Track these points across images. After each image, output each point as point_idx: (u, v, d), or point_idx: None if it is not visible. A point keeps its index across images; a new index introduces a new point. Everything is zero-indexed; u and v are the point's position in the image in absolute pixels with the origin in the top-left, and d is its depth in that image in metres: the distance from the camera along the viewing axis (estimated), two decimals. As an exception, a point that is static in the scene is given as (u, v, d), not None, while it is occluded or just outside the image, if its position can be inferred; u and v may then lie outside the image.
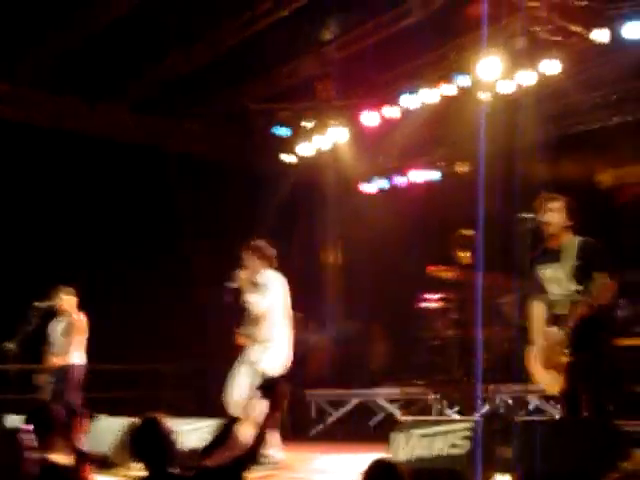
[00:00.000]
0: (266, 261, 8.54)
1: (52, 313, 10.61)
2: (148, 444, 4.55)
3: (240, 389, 8.33)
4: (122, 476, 7.62)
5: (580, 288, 6.44)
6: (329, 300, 14.98)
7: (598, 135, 12.02)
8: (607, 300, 6.49)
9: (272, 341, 8.38)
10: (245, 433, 7.68)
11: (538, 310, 6.79)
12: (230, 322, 9.34)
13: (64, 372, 10.28)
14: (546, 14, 10.62)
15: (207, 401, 11.32)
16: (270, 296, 8.38)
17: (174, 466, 4.61)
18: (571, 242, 6.68)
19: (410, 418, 7.51)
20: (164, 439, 4.55)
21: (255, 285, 8.43)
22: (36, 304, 10.34)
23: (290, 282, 8.70)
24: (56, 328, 10.59)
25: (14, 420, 7.80)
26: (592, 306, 6.38)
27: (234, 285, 8.44)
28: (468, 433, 6.40)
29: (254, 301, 8.36)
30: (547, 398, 9.17)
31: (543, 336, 6.68)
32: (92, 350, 10.62)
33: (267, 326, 8.42)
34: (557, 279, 6.64)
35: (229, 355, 13.34)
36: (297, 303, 10.06)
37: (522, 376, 8.21)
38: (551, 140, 11.27)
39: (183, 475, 4.59)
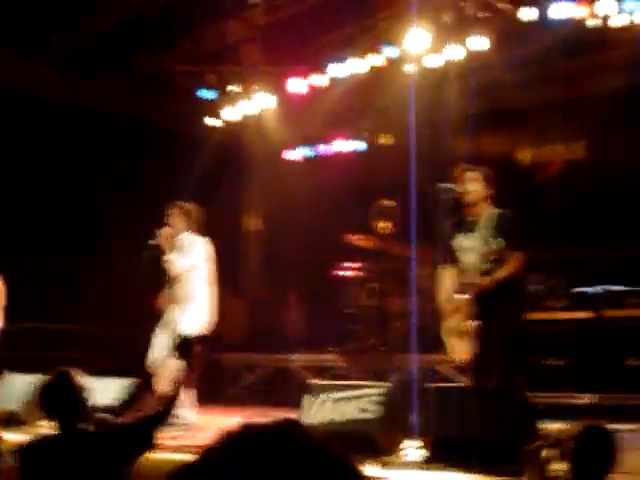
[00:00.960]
0: (191, 224, 8.53)
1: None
2: (59, 399, 4.50)
3: (158, 349, 8.31)
4: (30, 433, 7.52)
5: (490, 258, 6.54)
6: (248, 266, 14.97)
7: (521, 112, 12.14)
8: (512, 273, 6.61)
9: (191, 303, 8.37)
10: (160, 393, 7.67)
11: (448, 279, 6.89)
12: (148, 280, 9.30)
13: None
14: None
15: (120, 362, 11.24)
16: (190, 257, 8.37)
17: (85, 423, 4.56)
18: (488, 213, 6.78)
19: (323, 382, 7.55)
20: (76, 394, 4.50)
21: (176, 245, 8.38)
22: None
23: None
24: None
25: None
26: (493, 279, 6.50)
27: (155, 242, 8.39)
28: (379, 398, 6.47)
29: (172, 260, 8.31)
30: (458, 368, 9.28)
31: (450, 304, 6.79)
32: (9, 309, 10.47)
33: (186, 287, 8.39)
34: (470, 248, 6.74)
35: (145, 319, 13.27)
36: (216, 268, 10.02)
37: (435, 346, 8.32)
38: (475, 115, 11.36)
39: (94, 432, 4.56)
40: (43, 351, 11.76)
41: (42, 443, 4.54)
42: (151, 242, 8.42)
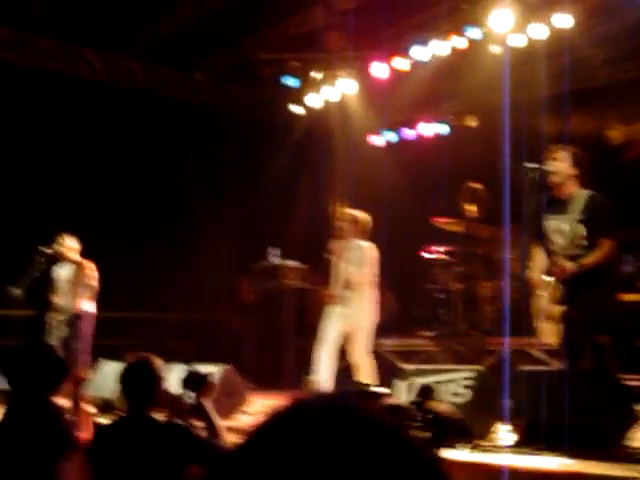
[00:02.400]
0: (363, 233, 9.22)
1: (57, 259, 10.56)
2: (133, 383, 4.53)
3: (330, 344, 9.01)
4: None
5: (582, 243, 6.41)
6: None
7: (608, 91, 11.92)
8: (601, 260, 6.46)
9: (363, 303, 9.02)
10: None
11: (539, 259, 6.79)
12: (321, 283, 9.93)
13: (73, 319, 10.18)
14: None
15: (210, 350, 11.38)
16: (365, 266, 9.01)
17: (157, 410, 4.58)
18: (579, 195, 6.64)
19: (413, 367, 7.54)
20: (149, 381, 4.52)
21: (349, 253, 9.11)
22: (41, 248, 10.27)
23: (296, 233, 8.89)
24: (61, 274, 10.52)
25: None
26: (580, 266, 6.38)
27: (331, 250, 9.29)
28: (471, 382, 6.44)
29: (352, 269, 9.02)
30: (550, 351, 9.17)
31: (542, 287, 6.69)
32: (99, 298, 10.64)
33: (359, 289, 9.04)
34: (561, 231, 6.61)
35: (230, 307, 13.39)
36: (302, 255, 10.04)
37: (526, 329, 8.22)
38: (561, 95, 11.17)
39: (162, 422, 4.56)
40: (138, 339, 11.98)
41: (109, 428, 4.59)
42: (327, 251, 9.40)
